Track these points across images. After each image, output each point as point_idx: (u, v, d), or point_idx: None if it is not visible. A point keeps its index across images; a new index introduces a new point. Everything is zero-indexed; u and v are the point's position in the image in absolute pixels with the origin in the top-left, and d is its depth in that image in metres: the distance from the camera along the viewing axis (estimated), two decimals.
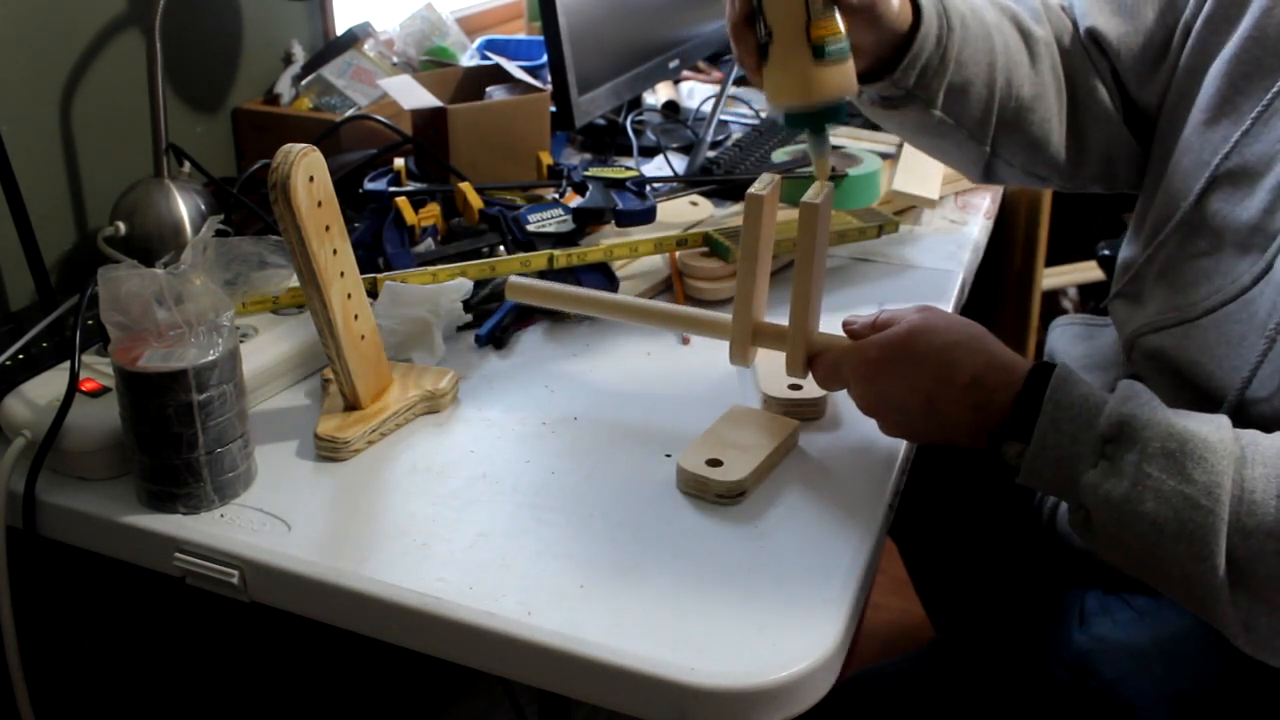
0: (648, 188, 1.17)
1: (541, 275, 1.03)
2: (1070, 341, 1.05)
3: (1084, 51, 0.95)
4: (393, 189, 1.10)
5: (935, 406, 0.75)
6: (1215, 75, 0.84)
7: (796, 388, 0.88)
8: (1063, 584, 0.96)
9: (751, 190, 0.80)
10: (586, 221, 1.08)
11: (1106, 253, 1.65)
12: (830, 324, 0.84)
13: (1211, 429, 0.68)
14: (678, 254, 1.13)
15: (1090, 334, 1.04)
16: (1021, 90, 0.92)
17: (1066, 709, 0.87)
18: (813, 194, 0.79)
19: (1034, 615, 0.96)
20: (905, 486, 0.83)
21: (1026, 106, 0.93)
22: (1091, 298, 2.51)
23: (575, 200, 1.10)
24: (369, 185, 1.11)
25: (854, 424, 0.87)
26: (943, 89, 0.89)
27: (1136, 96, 0.94)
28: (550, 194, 1.17)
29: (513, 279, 0.90)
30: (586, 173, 1.15)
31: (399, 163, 1.14)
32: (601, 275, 1.04)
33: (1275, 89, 0.80)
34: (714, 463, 0.78)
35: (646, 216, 1.10)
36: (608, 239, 1.11)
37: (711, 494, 0.77)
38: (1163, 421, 0.69)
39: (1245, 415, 0.76)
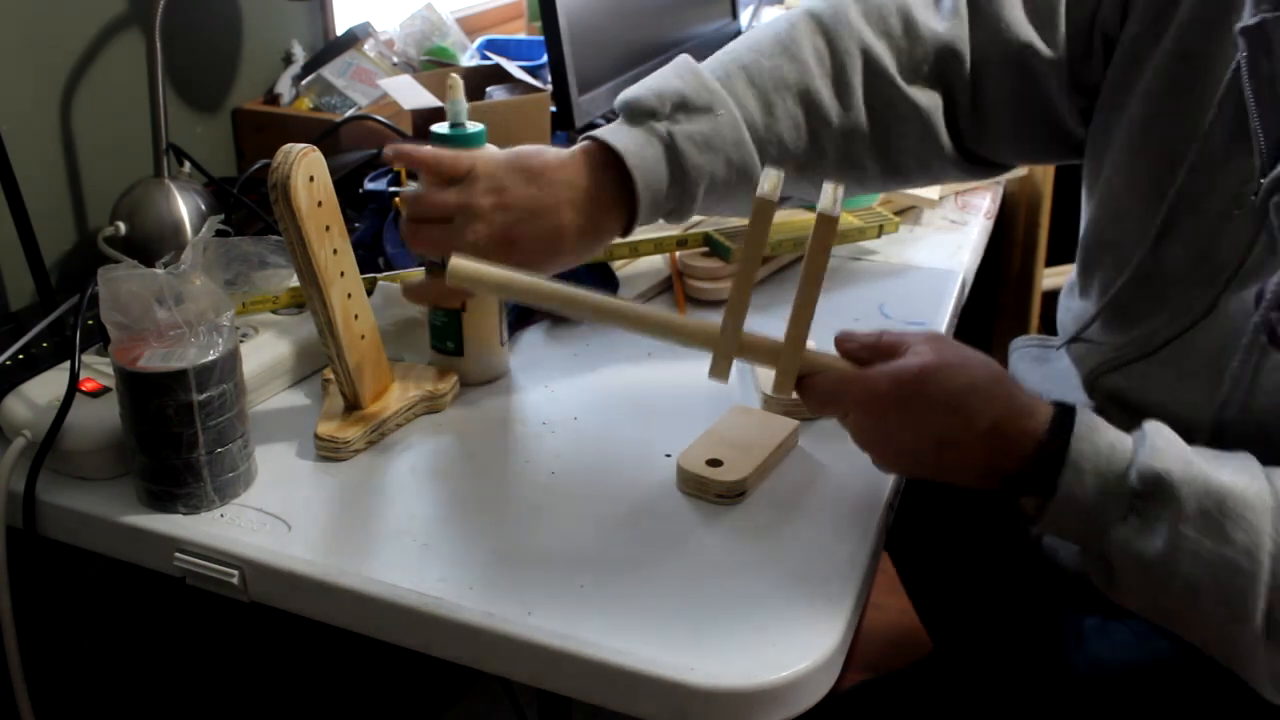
0: None
1: None
2: (1028, 365, 1.02)
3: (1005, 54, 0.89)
4: (393, 189, 1.10)
5: (946, 452, 0.70)
6: (1140, 98, 0.82)
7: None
8: (1056, 603, 0.94)
9: (760, 193, 0.71)
10: None
11: None
12: (821, 329, 0.82)
13: (1247, 480, 0.65)
14: (678, 254, 1.13)
15: (1046, 355, 1.01)
16: (846, 113, 0.88)
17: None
18: (828, 203, 0.72)
19: (1028, 635, 0.94)
20: (900, 501, 0.82)
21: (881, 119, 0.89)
22: None
23: None
24: (369, 185, 1.11)
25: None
26: (730, 198, 0.87)
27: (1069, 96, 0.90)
28: None
29: (455, 261, 0.73)
30: None
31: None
32: (601, 275, 1.05)
33: (1205, 118, 0.76)
34: (714, 463, 0.78)
35: None
36: None
37: (711, 494, 0.77)
38: (1198, 477, 0.65)
39: (1222, 441, 0.73)
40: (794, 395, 0.75)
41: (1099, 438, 0.68)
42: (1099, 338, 0.88)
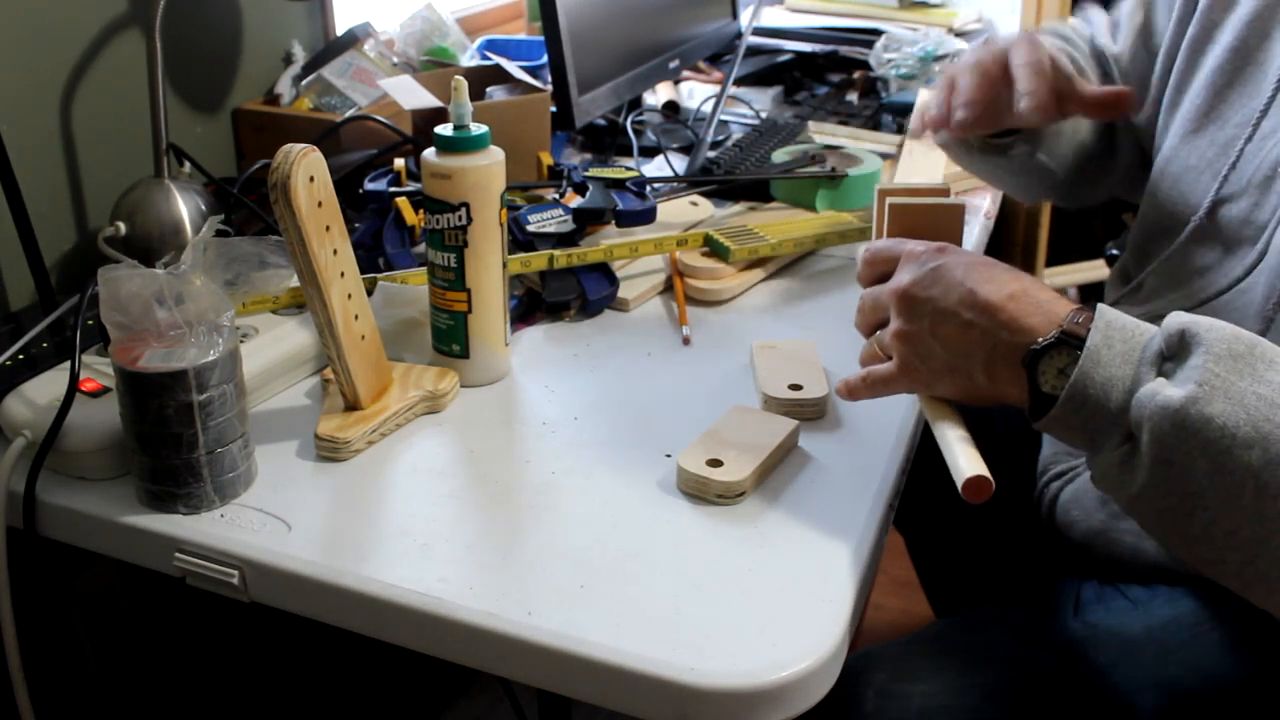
0: (648, 188, 1.17)
1: (541, 275, 1.03)
2: None
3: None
4: (393, 189, 1.10)
5: (978, 316, 0.70)
6: (1199, 88, 0.89)
7: (797, 387, 0.87)
8: (1060, 574, 0.97)
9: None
10: (586, 222, 1.09)
11: (1115, 253, 1.66)
12: (822, 328, 0.83)
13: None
14: (678, 254, 1.13)
15: None
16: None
17: (1058, 694, 0.88)
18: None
19: (1030, 602, 0.97)
20: (910, 476, 0.83)
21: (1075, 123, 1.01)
22: (1091, 298, 2.51)
23: (575, 200, 1.10)
24: (369, 185, 1.11)
25: (854, 424, 0.87)
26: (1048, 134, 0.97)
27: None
28: (550, 194, 1.17)
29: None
30: (587, 173, 1.15)
31: (399, 163, 1.14)
32: (602, 275, 1.05)
33: (1266, 96, 0.82)
34: (714, 463, 0.78)
35: (647, 217, 1.10)
36: (608, 239, 1.11)
37: (711, 494, 0.77)
38: (1227, 327, 0.64)
39: None
40: (800, 394, 0.78)
41: (1123, 317, 0.68)
42: (1145, 297, 0.92)
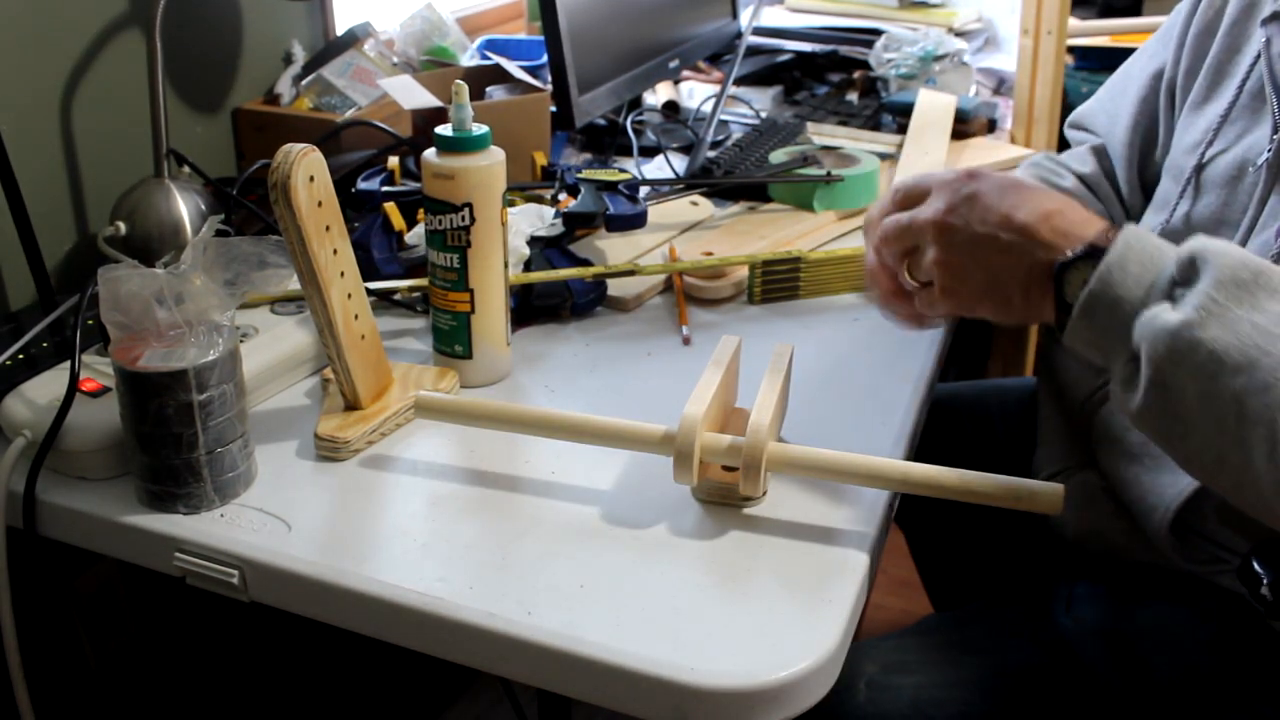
0: (642, 190, 1.16)
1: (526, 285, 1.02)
2: None
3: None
4: (385, 188, 1.10)
5: (1014, 231, 0.72)
6: (1186, 106, 0.94)
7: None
8: (1054, 572, 0.98)
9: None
10: (576, 225, 1.08)
11: None
12: (823, 327, 0.82)
13: None
14: (677, 253, 1.13)
15: None
16: None
17: (1047, 689, 0.89)
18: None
19: (1023, 599, 0.97)
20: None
21: None
22: None
23: (569, 204, 1.10)
24: (361, 185, 1.11)
25: (854, 423, 0.87)
26: None
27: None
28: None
29: (422, 395, 0.81)
30: (579, 175, 1.14)
31: (393, 161, 1.14)
32: (592, 282, 1.04)
33: (1228, 100, 0.87)
34: (730, 469, 0.77)
35: (637, 221, 1.09)
36: (600, 242, 1.11)
37: (735, 499, 0.77)
38: (1237, 253, 0.65)
39: None
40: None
41: (1149, 238, 0.69)
42: None
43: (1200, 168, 0.88)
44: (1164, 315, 0.64)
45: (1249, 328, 0.62)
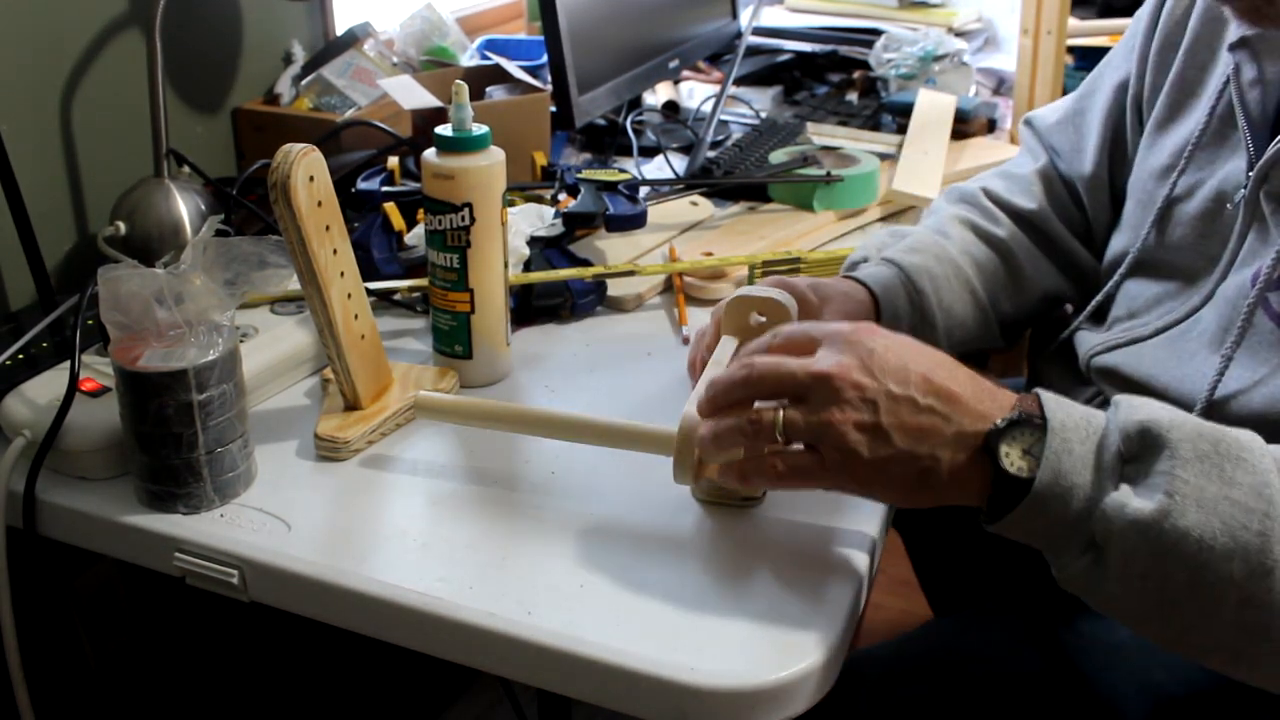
0: (642, 190, 1.16)
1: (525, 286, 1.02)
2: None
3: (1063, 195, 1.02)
4: (385, 188, 1.10)
5: (934, 395, 0.64)
6: (1150, 124, 0.92)
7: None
8: (1052, 580, 0.96)
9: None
10: (576, 225, 1.08)
11: None
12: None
13: (1236, 430, 0.62)
14: (677, 252, 1.13)
15: None
16: (1011, 294, 0.98)
17: (1047, 697, 0.88)
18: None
19: (1022, 607, 0.96)
20: None
21: (1018, 299, 0.99)
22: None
23: (569, 204, 1.10)
24: (361, 185, 1.11)
25: None
26: (940, 342, 0.92)
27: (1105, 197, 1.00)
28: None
29: (421, 395, 0.81)
30: (578, 175, 1.14)
31: (393, 161, 1.14)
32: (592, 282, 1.04)
33: (1199, 124, 0.85)
34: None
35: (637, 221, 1.09)
36: (600, 242, 1.11)
37: (736, 499, 0.77)
38: (1187, 422, 0.61)
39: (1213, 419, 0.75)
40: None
41: (1072, 406, 0.64)
42: (1100, 324, 0.93)
43: (1172, 198, 0.87)
44: (1133, 504, 0.60)
45: (1229, 506, 0.59)
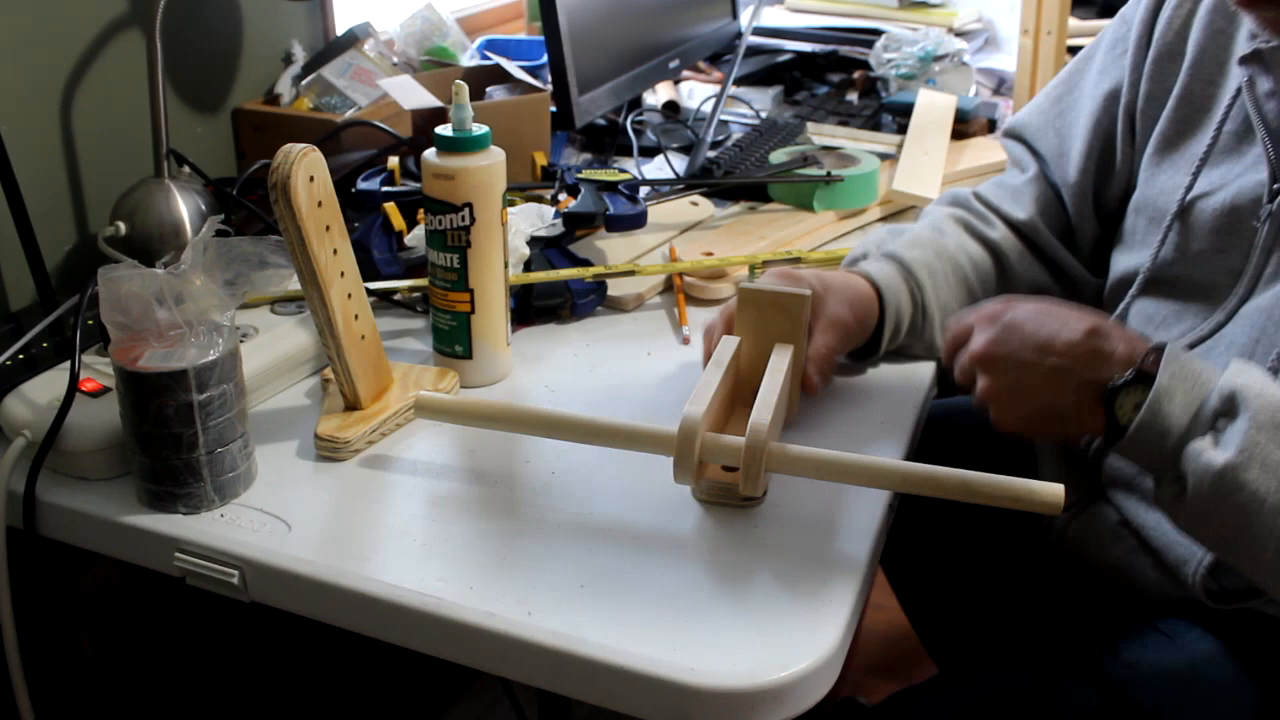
0: (642, 190, 1.16)
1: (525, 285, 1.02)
2: None
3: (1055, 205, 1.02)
4: (385, 189, 1.10)
5: (1059, 353, 0.76)
6: (1154, 139, 0.92)
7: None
8: (1080, 606, 0.95)
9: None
10: (577, 225, 1.08)
11: None
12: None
13: None
14: (677, 252, 1.13)
15: None
16: (1003, 291, 0.99)
17: None
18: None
19: (1054, 641, 0.93)
20: (895, 520, 0.81)
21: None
22: None
23: (569, 204, 1.10)
24: (361, 185, 1.11)
25: (854, 424, 0.87)
26: (935, 334, 0.95)
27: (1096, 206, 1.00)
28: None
29: (422, 395, 0.81)
30: (579, 175, 1.14)
31: (393, 161, 1.14)
32: (592, 282, 1.04)
33: (1208, 141, 0.86)
34: (731, 469, 0.77)
35: (637, 221, 1.09)
36: (600, 242, 1.11)
37: (735, 499, 0.77)
38: (1271, 395, 0.69)
39: None
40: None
41: (1191, 363, 0.73)
42: None
43: (1184, 211, 0.87)
44: (1209, 453, 0.69)
45: None
